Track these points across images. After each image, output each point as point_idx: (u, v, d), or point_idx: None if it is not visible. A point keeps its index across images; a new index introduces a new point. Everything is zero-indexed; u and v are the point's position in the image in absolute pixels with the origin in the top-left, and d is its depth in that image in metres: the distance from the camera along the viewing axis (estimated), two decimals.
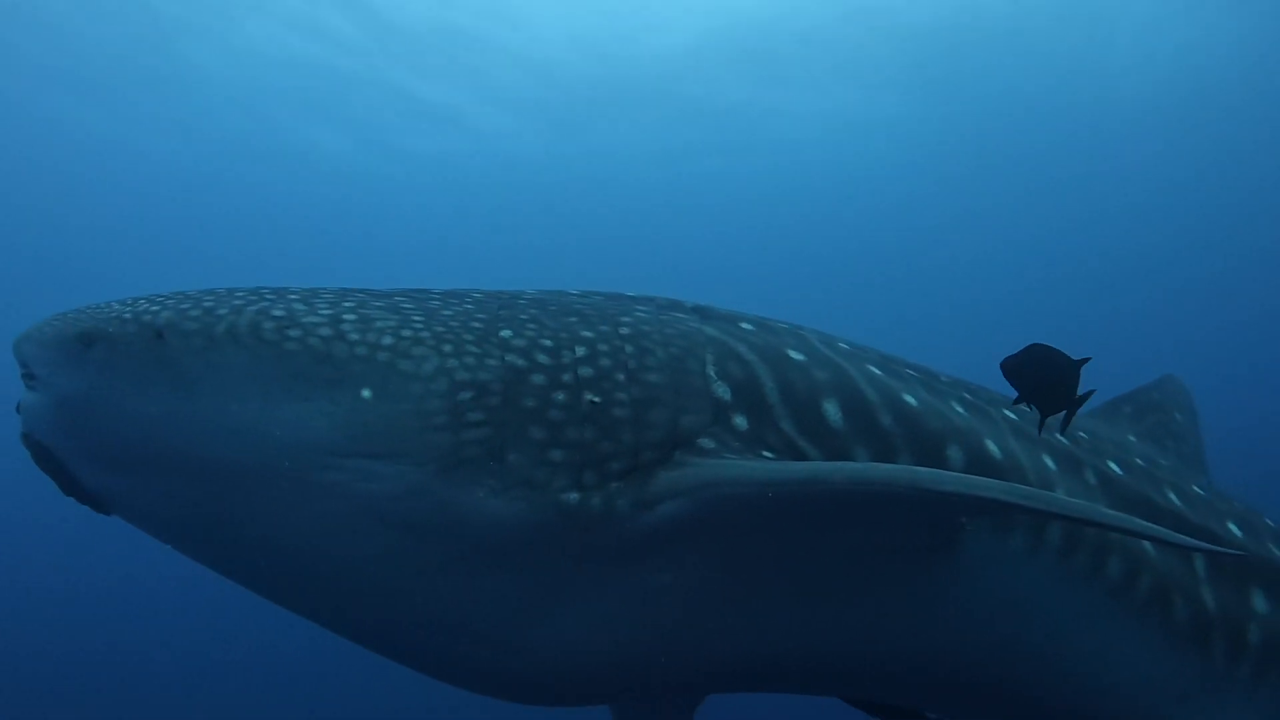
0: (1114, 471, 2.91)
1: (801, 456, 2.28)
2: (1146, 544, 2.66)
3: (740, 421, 2.26)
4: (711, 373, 2.30)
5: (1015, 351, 3.26)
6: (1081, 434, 3.04)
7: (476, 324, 2.26)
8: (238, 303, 2.22)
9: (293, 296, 2.28)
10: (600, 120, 21.18)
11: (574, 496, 2.09)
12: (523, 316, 2.33)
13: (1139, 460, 3.14)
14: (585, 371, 2.20)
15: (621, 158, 22.90)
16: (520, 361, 2.18)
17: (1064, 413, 3.38)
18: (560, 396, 2.15)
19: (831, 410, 2.38)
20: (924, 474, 2.11)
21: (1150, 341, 24.23)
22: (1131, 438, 3.62)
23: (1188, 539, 2.16)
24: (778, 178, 23.57)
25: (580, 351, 2.24)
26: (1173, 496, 3.01)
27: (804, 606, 2.39)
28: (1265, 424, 21.87)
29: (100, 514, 2.37)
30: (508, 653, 2.32)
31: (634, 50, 18.38)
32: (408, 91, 19.36)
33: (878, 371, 2.58)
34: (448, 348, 2.16)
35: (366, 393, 2.08)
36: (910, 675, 2.68)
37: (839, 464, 2.22)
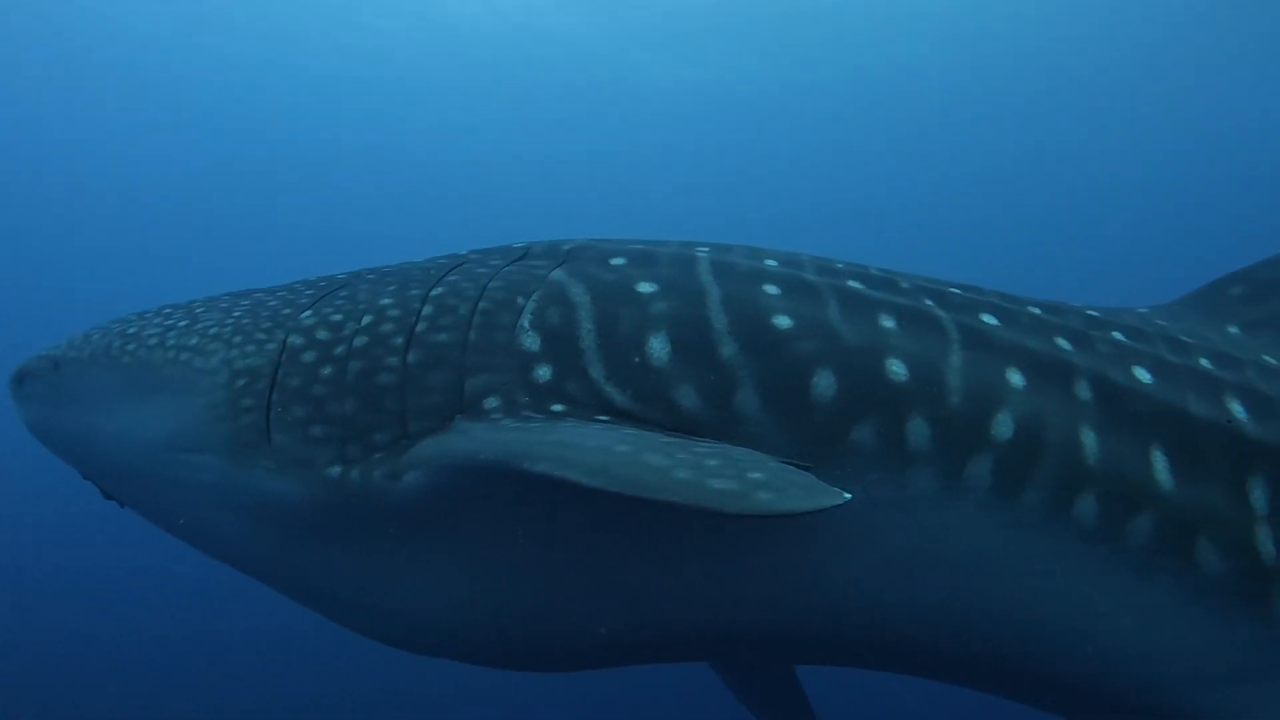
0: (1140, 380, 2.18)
1: (607, 403, 2.04)
2: (1154, 472, 2.08)
3: (543, 373, 2.08)
4: (525, 323, 2.14)
5: None
6: (1116, 334, 2.32)
7: (288, 310, 2.34)
8: (117, 327, 2.49)
9: (169, 309, 2.51)
10: None
11: (336, 470, 2.11)
12: (343, 293, 2.35)
13: (1207, 356, 2.34)
14: (360, 341, 2.19)
15: None
16: (298, 340, 2.24)
17: None
18: (327, 371, 2.17)
19: (657, 346, 2.07)
20: (510, 446, 1.81)
21: None
22: (1233, 329, 2.64)
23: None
24: None
25: (365, 320, 2.22)
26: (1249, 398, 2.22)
27: (658, 575, 2.12)
28: None
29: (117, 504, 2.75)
30: (389, 620, 2.33)
31: None
32: None
33: (773, 290, 2.17)
34: (237, 339, 2.29)
35: (176, 392, 2.29)
36: (838, 643, 2.27)
37: (459, 436, 1.98)
